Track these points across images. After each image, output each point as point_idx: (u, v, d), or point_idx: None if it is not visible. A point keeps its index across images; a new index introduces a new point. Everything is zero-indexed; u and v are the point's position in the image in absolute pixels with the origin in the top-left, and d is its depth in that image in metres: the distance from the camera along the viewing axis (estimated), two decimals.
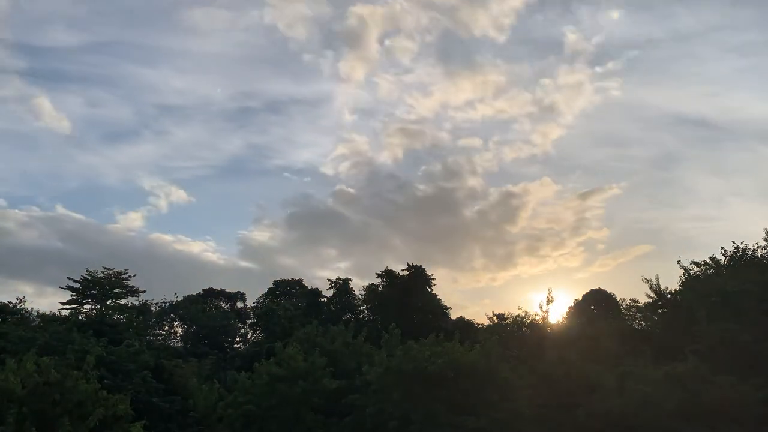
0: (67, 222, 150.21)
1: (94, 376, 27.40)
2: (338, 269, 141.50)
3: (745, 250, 39.31)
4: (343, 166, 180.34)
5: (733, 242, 39.74)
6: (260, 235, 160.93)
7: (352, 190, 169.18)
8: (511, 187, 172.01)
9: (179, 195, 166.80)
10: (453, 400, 35.71)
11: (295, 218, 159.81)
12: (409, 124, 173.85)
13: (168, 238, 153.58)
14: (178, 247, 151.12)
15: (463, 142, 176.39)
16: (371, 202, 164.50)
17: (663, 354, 35.74)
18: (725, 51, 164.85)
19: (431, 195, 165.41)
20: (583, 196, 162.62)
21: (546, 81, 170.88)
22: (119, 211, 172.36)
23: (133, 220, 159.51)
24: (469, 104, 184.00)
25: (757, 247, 38.94)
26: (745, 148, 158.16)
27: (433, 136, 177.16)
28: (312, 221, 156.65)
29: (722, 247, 39.93)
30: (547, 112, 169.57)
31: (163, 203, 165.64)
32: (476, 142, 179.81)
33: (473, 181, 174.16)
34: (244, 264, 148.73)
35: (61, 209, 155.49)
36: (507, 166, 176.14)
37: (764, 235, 38.86)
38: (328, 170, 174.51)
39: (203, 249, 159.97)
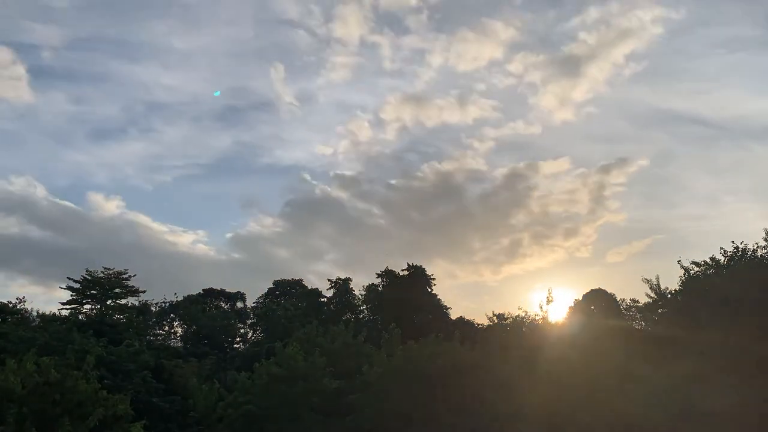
0: (48, 208, 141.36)
1: (94, 376, 27.40)
2: (332, 261, 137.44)
3: (744, 250, 39.23)
4: (341, 148, 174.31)
5: (733, 242, 39.65)
6: (254, 227, 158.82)
7: (350, 173, 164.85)
8: (521, 165, 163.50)
9: (167, 189, 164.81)
10: (453, 400, 35.72)
11: (290, 208, 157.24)
12: (410, 95, 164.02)
13: (158, 227, 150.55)
14: (169, 237, 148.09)
15: (468, 112, 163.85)
16: (369, 187, 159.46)
17: (663, 354, 35.70)
18: (714, 47, 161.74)
19: (429, 177, 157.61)
20: (605, 169, 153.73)
21: (565, 26, 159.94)
22: (104, 199, 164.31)
23: (116, 208, 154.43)
24: (477, 70, 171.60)
25: (757, 247, 38.87)
26: (738, 147, 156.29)
27: (436, 106, 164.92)
28: (306, 211, 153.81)
29: (722, 248, 39.86)
30: (566, 66, 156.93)
31: (149, 195, 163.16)
32: (483, 113, 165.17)
33: (478, 161, 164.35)
34: (236, 256, 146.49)
35: (41, 191, 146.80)
36: (519, 140, 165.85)
37: (764, 234, 38.85)
38: (325, 151, 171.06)
39: (195, 240, 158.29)
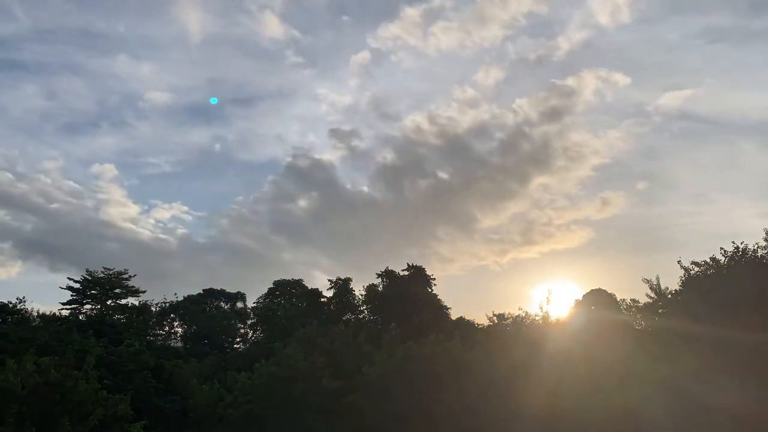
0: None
1: (94, 376, 27.37)
2: (321, 246, 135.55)
3: (745, 250, 39.28)
4: (332, 105, 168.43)
5: (733, 242, 39.72)
6: (236, 209, 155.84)
7: (347, 128, 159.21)
8: (541, 101, 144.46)
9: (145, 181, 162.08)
10: (453, 400, 35.71)
11: (276, 186, 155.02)
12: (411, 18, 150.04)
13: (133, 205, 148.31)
14: (143, 217, 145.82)
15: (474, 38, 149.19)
16: (362, 144, 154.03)
17: (664, 352, 35.73)
18: (692, 37, 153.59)
19: (427, 128, 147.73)
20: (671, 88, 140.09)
21: None
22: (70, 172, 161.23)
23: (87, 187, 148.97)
24: None
25: (757, 247, 38.94)
26: (723, 141, 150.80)
27: (443, 28, 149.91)
28: (293, 185, 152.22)
29: (722, 248, 39.95)
30: None
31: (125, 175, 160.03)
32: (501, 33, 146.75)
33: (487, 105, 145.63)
34: (219, 238, 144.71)
35: None
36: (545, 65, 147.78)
37: (764, 234, 38.92)
38: (321, 92, 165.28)
39: (172, 216, 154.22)
